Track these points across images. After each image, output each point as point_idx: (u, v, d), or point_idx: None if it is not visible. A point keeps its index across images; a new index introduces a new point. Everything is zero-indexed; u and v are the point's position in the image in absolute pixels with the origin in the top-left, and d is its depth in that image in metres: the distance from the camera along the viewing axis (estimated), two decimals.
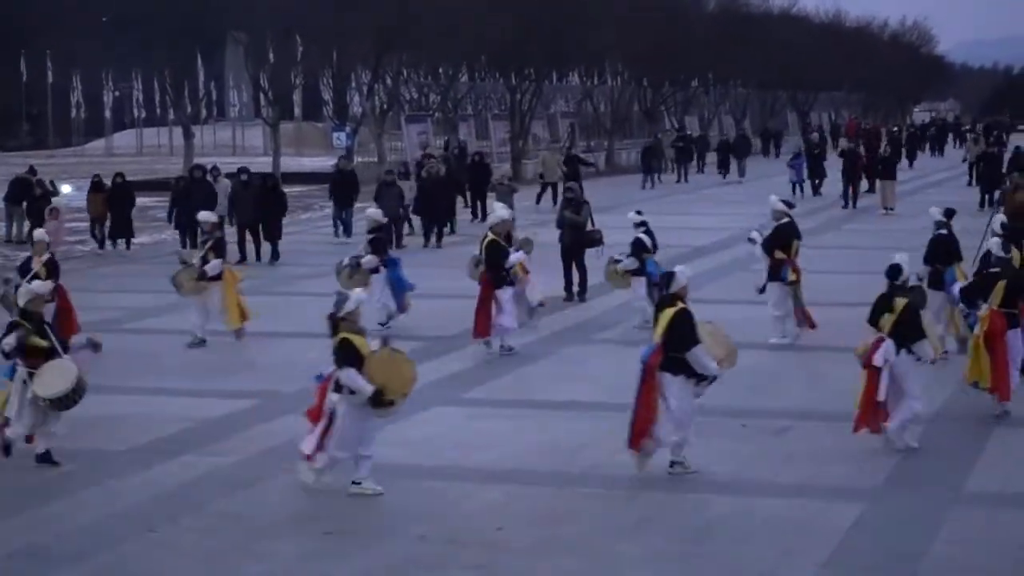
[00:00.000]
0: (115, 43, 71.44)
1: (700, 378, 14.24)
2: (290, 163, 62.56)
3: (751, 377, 18.81)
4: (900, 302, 15.17)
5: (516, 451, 15.38)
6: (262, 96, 64.50)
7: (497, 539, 12.53)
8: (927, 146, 78.13)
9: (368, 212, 24.03)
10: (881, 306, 15.32)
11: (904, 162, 63.19)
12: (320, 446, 13.70)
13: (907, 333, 15.08)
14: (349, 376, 13.54)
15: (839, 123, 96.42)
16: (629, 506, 13.44)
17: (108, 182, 35.73)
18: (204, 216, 22.69)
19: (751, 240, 21.42)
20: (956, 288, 17.79)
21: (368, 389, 13.50)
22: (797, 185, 48.45)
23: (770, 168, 63.31)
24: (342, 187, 36.92)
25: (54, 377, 14.74)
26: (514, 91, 63.93)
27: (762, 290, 21.34)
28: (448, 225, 36.56)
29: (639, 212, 23.11)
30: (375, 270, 22.56)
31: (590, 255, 25.20)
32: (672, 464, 14.34)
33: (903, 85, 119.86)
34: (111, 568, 12.08)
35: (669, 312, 14.25)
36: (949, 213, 20.67)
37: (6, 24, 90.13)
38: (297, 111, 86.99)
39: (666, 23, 72.52)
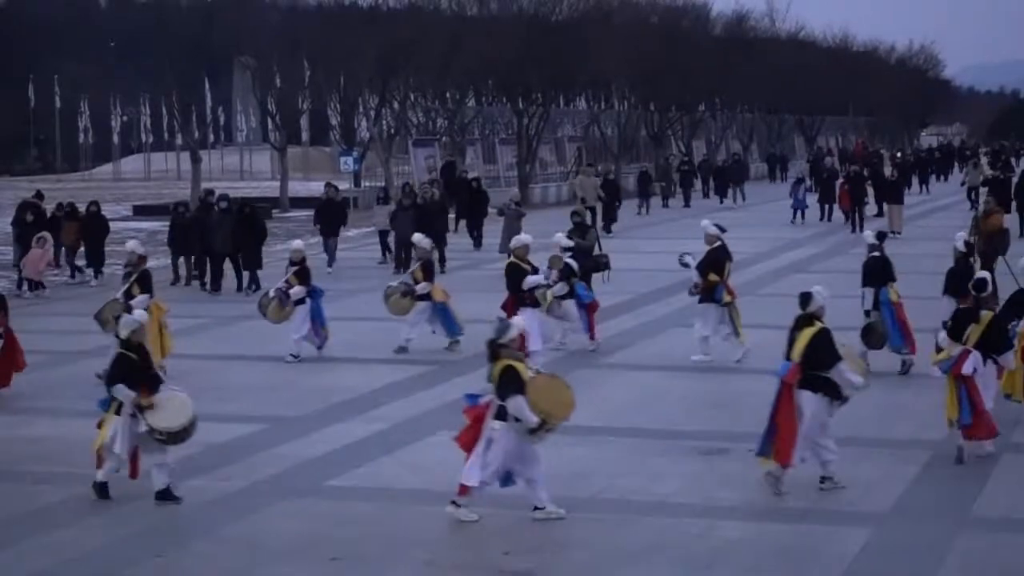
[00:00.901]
0: (123, 68, 71.73)
1: (834, 397, 14.57)
2: (298, 188, 62.72)
3: (758, 402, 18.80)
4: (986, 315, 15.72)
5: None
6: (269, 121, 64.72)
7: (503, 564, 12.51)
8: (931, 170, 78.03)
9: (293, 244, 23.67)
10: (966, 318, 15.80)
11: (917, 186, 63.49)
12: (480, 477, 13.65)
13: (995, 344, 15.68)
14: (518, 406, 13.46)
15: (847, 147, 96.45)
16: (635, 532, 13.42)
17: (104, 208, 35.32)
18: (131, 246, 21.68)
19: (684, 264, 21.98)
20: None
21: (534, 420, 13.45)
22: (799, 211, 48.33)
23: (777, 192, 63.29)
24: (328, 215, 36.10)
25: (171, 410, 14.45)
26: (521, 115, 64.03)
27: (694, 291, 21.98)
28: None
29: (570, 237, 23.66)
30: (301, 301, 22.40)
31: (596, 279, 25.23)
32: (823, 480, 14.65)
33: (910, 109, 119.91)
34: None
35: (809, 331, 14.52)
36: (881, 236, 21.37)
37: (14, 49, 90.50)
38: (304, 136, 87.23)
39: (670, 46, 72.60)
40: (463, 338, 22.77)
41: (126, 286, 20.97)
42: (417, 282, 22.93)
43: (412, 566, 12.48)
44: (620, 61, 67.62)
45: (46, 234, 32.01)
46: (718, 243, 21.95)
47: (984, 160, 65.45)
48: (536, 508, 13.71)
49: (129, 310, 20.43)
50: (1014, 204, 42.10)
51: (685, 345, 22.10)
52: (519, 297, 21.15)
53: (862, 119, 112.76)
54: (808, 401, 14.45)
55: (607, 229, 44.46)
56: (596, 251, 25.58)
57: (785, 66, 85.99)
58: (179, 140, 78.37)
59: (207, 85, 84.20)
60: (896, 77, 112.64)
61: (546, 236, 35.76)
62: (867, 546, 12.85)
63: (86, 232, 34.13)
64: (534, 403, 13.48)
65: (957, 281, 19.32)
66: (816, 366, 14.38)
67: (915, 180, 65.17)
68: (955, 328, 15.84)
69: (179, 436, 14.47)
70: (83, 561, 12.79)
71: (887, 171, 52.56)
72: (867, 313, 20.36)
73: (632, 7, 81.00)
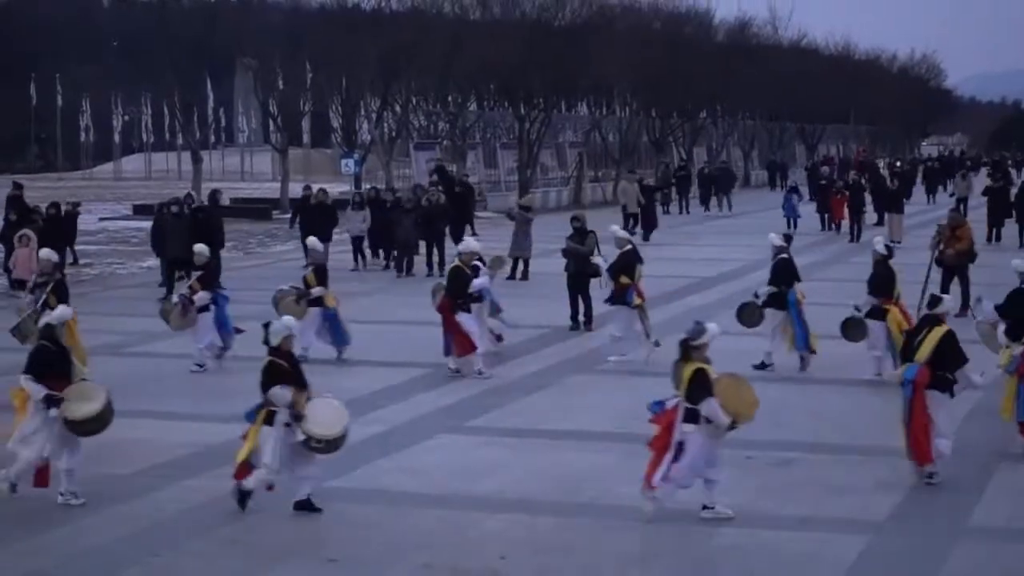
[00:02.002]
0: (124, 67, 71.78)
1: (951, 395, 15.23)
2: (298, 189, 62.64)
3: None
4: None
5: (519, 480, 15.35)
6: (271, 122, 64.73)
7: (499, 568, 12.50)
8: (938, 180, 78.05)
9: (196, 247, 22.49)
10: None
11: (923, 196, 63.69)
12: (667, 476, 13.76)
13: None
14: (712, 408, 13.67)
15: (848, 156, 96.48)
16: (633, 537, 13.40)
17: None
18: (45, 255, 20.81)
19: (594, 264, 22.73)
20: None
21: (726, 420, 13.71)
22: (791, 220, 48.24)
23: (777, 200, 62.97)
24: (321, 219, 35.25)
25: (328, 417, 14.07)
26: (522, 120, 64.03)
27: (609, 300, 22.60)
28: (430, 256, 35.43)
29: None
30: (205, 308, 21.76)
31: (594, 284, 25.23)
32: (931, 476, 15.04)
33: (911, 118, 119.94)
34: None
35: (939, 331, 15.09)
36: (787, 238, 22.26)
37: (16, 47, 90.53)
38: (306, 138, 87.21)
39: (672, 52, 72.60)
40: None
41: (43, 296, 19.88)
42: (310, 286, 22.42)
43: (409, 569, 12.47)
44: (622, 67, 67.66)
45: (28, 232, 30.40)
46: (628, 247, 22.50)
47: (985, 170, 65.40)
48: (705, 507, 13.82)
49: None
50: (1015, 214, 42.25)
51: None
52: (455, 301, 21.18)
53: (863, 128, 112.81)
54: (938, 401, 14.96)
55: (646, 238, 44.28)
56: (595, 257, 25.54)
57: (787, 73, 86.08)
58: (180, 140, 78.38)
59: (209, 85, 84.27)
60: (898, 86, 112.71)
61: (545, 241, 35.88)
62: (865, 553, 12.85)
63: (46, 238, 30.73)
64: (724, 404, 13.73)
65: (878, 282, 20.51)
66: (947, 366, 14.93)
67: (923, 190, 65.51)
68: (1014, 328, 16.45)
69: (336, 443, 14.13)
70: (80, 560, 12.77)
71: (888, 180, 52.62)
72: (756, 297, 21.46)
73: (635, 13, 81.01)
